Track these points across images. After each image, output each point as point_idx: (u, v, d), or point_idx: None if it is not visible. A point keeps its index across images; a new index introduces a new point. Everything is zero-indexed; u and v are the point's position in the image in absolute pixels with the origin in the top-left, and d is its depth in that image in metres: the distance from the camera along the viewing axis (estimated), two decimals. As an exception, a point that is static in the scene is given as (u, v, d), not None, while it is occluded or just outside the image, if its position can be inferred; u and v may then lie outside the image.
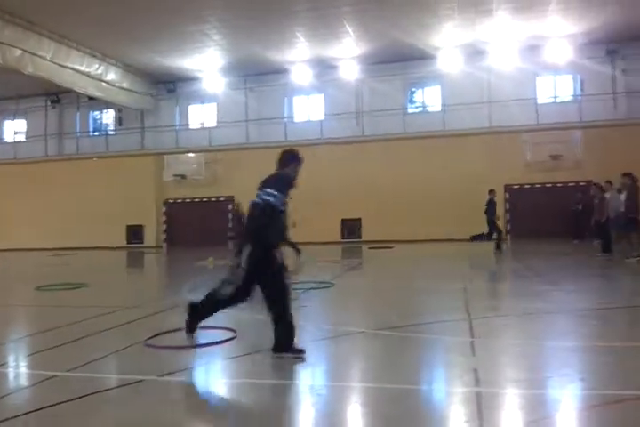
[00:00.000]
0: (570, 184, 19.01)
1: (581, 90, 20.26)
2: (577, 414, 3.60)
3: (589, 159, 18.61)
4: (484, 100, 20.22)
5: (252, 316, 6.24)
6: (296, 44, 19.55)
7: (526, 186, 19.86)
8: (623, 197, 12.28)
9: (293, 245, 12.27)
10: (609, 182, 13.52)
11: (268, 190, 4.62)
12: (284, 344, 4.67)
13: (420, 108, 22.34)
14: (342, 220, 21.14)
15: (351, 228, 21.22)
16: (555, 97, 20.95)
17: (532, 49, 19.51)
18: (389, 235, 19.77)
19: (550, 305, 7.18)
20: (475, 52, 19.81)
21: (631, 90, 19.56)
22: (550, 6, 16.53)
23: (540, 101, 20.66)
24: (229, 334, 5.41)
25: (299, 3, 16.00)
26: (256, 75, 22.05)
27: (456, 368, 4.51)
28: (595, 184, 13.75)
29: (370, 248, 18.19)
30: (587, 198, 16.18)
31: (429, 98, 22.06)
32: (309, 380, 4.44)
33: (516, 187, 19.84)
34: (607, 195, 13.10)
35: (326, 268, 12.31)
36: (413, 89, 22.26)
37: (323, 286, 9.04)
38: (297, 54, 20.49)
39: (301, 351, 4.69)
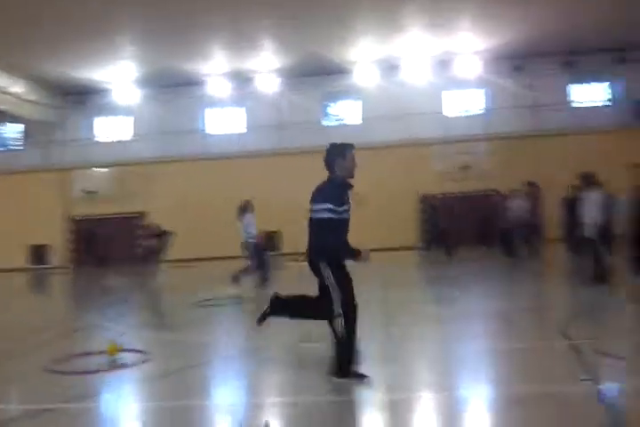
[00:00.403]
0: (479, 193, 19.83)
1: (489, 103, 21.32)
2: (488, 413, 3.74)
3: (496, 169, 19.55)
4: (399, 113, 20.81)
5: (161, 336, 6.07)
6: (213, 56, 19.38)
7: (439, 196, 20.59)
8: (526, 204, 13.02)
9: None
10: (514, 191, 14.24)
11: (316, 207, 4.43)
12: (343, 368, 4.32)
13: (339, 122, 22.71)
14: (264, 233, 20.98)
15: (270, 240, 21.08)
16: (464, 110, 21.93)
17: (444, 64, 20.34)
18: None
19: (461, 309, 7.46)
20: (389, 67, 20.40)
21: (535, 104, 20.80)
22: (461, 23, 17.32)
23: (450, 114, 21.53)
24: (139, 356, 5.23)
25: (216, 15, 15.84)
26: (173, 86, 21.60)
27: (371, 376, 4.57)
28: (499, 193, 14.47)
29: (287, 260, 18.19)
30: (492, 206, 16.88)
31: (347, 111, 22.48)
32: (225, 398, 4.36)
33: (429, 196, 20.52)
34: (512, 203, 13.80)
35: (241, 282, 12.11)
36: (332, 102, 22.61)
37: (234, 302, 8.93)
38: (215, 66, 20.28)
39: (363, 376, 4.32)
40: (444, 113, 21.37)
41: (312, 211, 4.47)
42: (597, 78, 21.43)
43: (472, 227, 19.20)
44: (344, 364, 4.31)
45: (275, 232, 20.90)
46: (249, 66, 20.30)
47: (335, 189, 4.49)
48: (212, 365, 4.81)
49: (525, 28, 17.68)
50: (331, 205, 4.36)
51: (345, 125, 22.24)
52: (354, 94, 21.71)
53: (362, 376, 4.31)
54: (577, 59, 20.46)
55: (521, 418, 3.54)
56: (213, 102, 22.18)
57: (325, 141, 18.96)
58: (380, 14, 16.30)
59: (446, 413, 3.75)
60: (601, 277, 8.41)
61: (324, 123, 22.28)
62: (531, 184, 12.78)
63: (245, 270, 10.62)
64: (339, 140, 19.60)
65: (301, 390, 4.27)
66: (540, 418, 3.49)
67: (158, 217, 21.11)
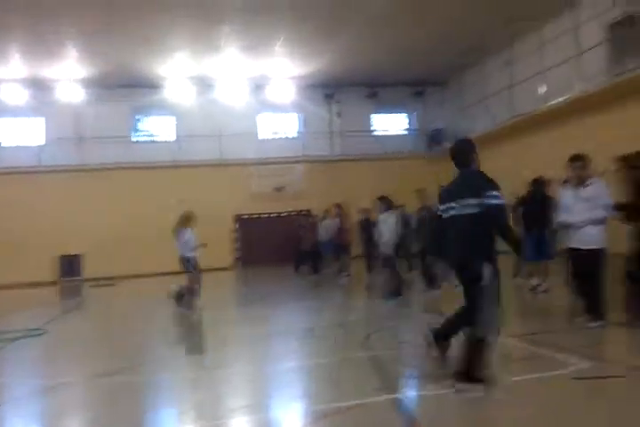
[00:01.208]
0: (292, 213, 20.44)
1: (302, 127, 22.22)
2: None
3: (309, 191, 20.40)
4: (214, 132, 20.71)
5: None
6: (9, 60, 17.46)
7: (254, 215, 20.82)
8: (335, 224, 13.73)
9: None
10: (327, 211, 14.92)
11: (492, 193, 3.99)
12: (473, 372, 3.93)
13: (149, 137, 21.86)
14: (60, 256, 19.19)
15: (70, 265, 19.36)
16: (280, 133, 22.58)
17: (261, 86, 20.75)
18: (114, 271, 18.60)
19: (274, 328, 7.50)
20: (205, 85, 20.20)
21: (343, 130, 22.19)
22: (275, 48, 17.79)
23: (266, 136, 22.00)
24: None
25: (12, 15, 14.30)
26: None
27: (179, 406, 4.35)
28: (306, 214, 15.09)
29: (91, 286, 16.90)
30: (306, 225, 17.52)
31: (158, 127, 21.73)
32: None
33: (244, 217, 20.63)
34: (325, 222, 14.44)
35: (38, 312, 10.91)
36: (141, 117, 21.69)
37: (31, 333, 7.95)
38: (9, 71, 18.30)
39: (491, 379, 3.98)
40: (260, 135, 21.74)
41: (465, 205, 4.11)
42: (398, 109, 23.65)
43: (287, 246, 19.57)
44: (477, 367, 3.97)
45: (74, 256, 19.29)
46: (49, 73, 18.67)
47: (486, 178, 4.15)
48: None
49: (333, 57, 18.81)
50: (497, 193, 4.02)
51: (156, 142, 21.51)
52: (166, 110, 21.05)
53: (490, 380, 4.01)
54: (380, 90, 22.35)
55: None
56: (6, 111, 19.95)
57: (135, 158, 18.06)
58: (193, 31, 16.07)
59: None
60: (397, 290, 9.11)
61: (134, 138, 21.30)
62: (338, 206, 13.55)
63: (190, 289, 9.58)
64: (150, 157, 18.83)
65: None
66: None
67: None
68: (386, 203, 9.46)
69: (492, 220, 4.02)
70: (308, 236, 14.57)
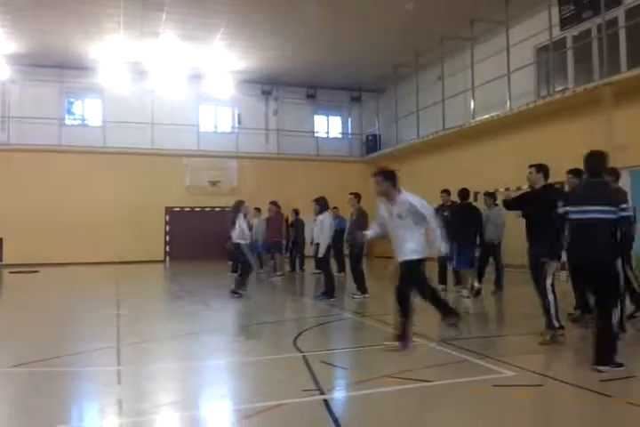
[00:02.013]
0: (226, 209, 20.14)
1: (239, 122, 21.97)
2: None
3: (244, 186, 20.23)
4: (147, 120, 20.12)
5: None
6: None
7: (186, 209, 20.41)
8: (270, 222, 13.70)
9: None
10: (258, 209, 14.80)
11: (626, 205, 4.62)
12: (609, 356, 4.48)
13: (79, 121, 20.97)
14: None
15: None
16: (215, 126, 22.23)
17: (197, 78, 20.34)
18: (37, 257, 17.80)
19: (202, 325, 7.38)
20: (139, 72, 19.56)
21: (280, 128, 22.13)
22: (215, 40, 17.48)
23: (202, 129, 21.59)
24: None
25: None
26: None
27: (100, 401, 4.19)
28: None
29: (11, 272, 16.03)
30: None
31: (89, 111, 20.87)
32: None
33: (176, 209, 20.19)
34: (256, 220, 14.34)
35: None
36: (72, 99, 20.77)
37: None
38: None
39: (622, 365, 4.49)
40: (195, 126, 21.31)
41: (599, 211, 4.58)
42: (335, 112, 23.87)
43: (219, 242, 19.26)
44: (611, 353, 4.49)
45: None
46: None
47: (621, 191, 4.93)
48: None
49: (273, 55, 18.75)
50: (627, 205, 4.69)
51: (86, 126, 20.70)
52: (97, 94, 20.23)
53: (621, 365, 4.50)
54: (319, 92, 22.50)
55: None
56: None
57: (64, 141, 17.37)
58: (129, 15, 15.38)
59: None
60: (330, 291, 9.19)
61: (68, 121, 20.41)
62: (273, 203, 13.53)
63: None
64: (80, 142, 18.04)
65: (16, 424, 3.67)
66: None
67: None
68: (322, 204, 9.52)
69: (620, 228, 4.61)
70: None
